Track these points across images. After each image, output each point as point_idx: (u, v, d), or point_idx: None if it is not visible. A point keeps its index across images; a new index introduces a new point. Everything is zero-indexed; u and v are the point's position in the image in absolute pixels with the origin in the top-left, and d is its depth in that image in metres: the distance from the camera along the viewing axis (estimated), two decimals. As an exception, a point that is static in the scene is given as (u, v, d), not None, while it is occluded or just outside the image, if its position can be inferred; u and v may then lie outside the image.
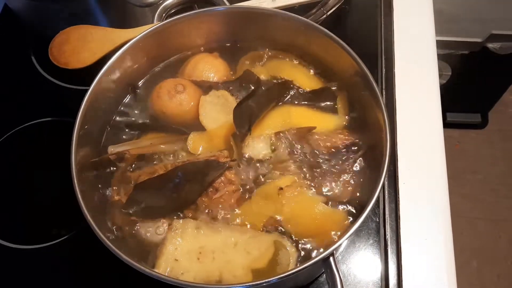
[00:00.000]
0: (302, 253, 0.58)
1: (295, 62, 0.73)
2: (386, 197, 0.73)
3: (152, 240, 0.59)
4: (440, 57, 1.01)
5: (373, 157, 0.61)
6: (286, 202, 0.60)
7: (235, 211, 0.61)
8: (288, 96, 0.69)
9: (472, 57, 1.47)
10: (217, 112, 0.67)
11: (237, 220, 0.60)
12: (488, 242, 1.75)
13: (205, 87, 0.70)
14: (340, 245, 0.52)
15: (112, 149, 0.65)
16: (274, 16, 0.69)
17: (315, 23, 0.67)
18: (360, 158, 0.63)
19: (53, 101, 0.87)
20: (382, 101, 0.59)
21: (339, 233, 0.58)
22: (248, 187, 0.62)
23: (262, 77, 0.70)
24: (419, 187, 0.73)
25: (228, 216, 0.60)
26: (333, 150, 0.63)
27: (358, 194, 0.61)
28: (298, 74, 0.71)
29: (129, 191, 0.61)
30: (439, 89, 0.83)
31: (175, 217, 0.60)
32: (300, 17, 0.68)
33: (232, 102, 0.68)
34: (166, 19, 0.83)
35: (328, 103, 0.68)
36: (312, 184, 0.62)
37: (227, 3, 0.85)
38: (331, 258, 0.52)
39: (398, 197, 0.72)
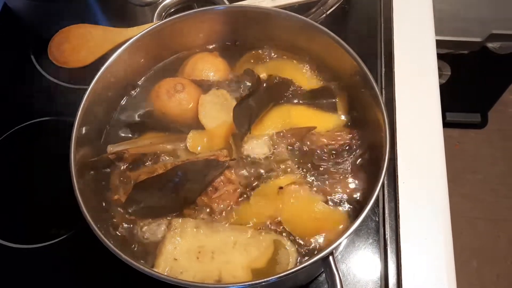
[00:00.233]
0: (302, 252, 0.58)
1: (295, 61, 0.73)
2: (386, 196, 0.73)
3: (151, 240, 0.59)
4: (440, 57, 1.01)
5: (373, 157, 0.61)
6: (285, 202, 0.60)
7: (235, 210, 0.60)
8: (288, 96, 0.69)
9: (472, 57, 1.47)
10: (217, 111, 0.67)
11: (237, 219, 0.60)
12: (488, 242, 1.75)
13: (205, 86, 0.70)
14: (339, 244, 0.52)
15: (112, 149, 0.65)
16: (273, 15, 0.69)
17: (315, 22, 0.67)
18: (360, 158, 0.63)
19: (52, 100, 0.87)
20: (382, 101, 0.59)
21: (338, 232, 0.58)
22: (247, 186, 0.62)
23: (262, 76, 0.70)
24: (418, 186, 0.73)
25: (228, 215, 0.60)
26: (332, 149, 0.63)
27: (357, 194, 0.61)
28: (298, 73, 0.71)
29: (128, 191, 0.61)
30: (439, 88, 0.83)
31: (174, 216, 0.60)
32: (300, 16, 0.68)
33: (232, 101, 0.68)
34: (165, 18, 0.83)
35: (328, 102, 0.68)
36: (311, 183, 0.62)
37: (226, 2, 0.85)
38: (330, 257, 0.52)
39: (398, 197, 0.72)
